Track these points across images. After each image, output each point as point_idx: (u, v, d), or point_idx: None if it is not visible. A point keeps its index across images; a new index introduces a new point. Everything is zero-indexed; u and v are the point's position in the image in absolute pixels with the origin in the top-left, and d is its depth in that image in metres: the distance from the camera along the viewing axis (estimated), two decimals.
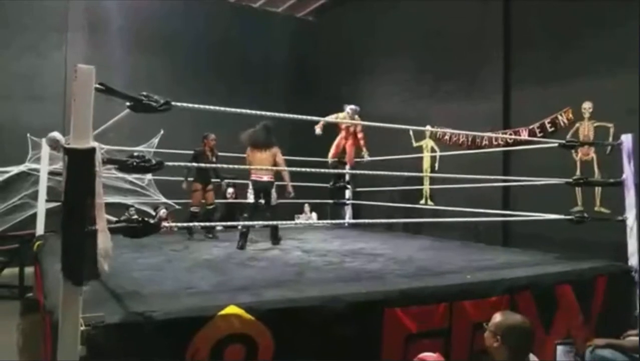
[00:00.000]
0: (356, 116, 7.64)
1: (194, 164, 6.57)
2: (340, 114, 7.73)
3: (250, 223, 6.10)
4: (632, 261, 4.60)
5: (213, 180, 7.25)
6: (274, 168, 6.02)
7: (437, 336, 3.38)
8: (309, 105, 9.97)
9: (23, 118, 9.25)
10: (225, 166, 4.65)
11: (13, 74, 9.51)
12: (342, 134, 7.92)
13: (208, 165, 6.73)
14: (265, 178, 6.10)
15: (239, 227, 6.11)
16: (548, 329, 3.92)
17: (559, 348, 2.61)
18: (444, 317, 3.43)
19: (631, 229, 4.71)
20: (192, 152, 7.04)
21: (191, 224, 5.97)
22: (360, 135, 7.88)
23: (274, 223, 6.32)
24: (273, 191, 6.32)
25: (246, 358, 2.81)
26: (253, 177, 6.21)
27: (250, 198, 6.88)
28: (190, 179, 7.13)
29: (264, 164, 5.96)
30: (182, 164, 6.16)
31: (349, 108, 7.58)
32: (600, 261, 4.72)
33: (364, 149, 7.89)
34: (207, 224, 6.66)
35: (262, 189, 6.17)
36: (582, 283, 4.22)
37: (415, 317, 3.31)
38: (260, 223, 6.61)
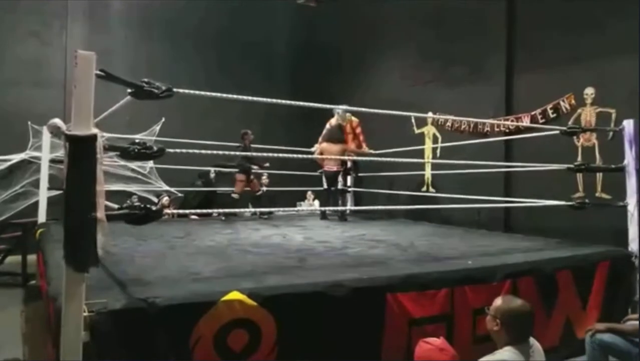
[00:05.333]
0: (347, 114, 7.64)
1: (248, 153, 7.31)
2: (333, 120, 7.72)
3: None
4: (633, 247, 4.61)
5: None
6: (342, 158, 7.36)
7: (439, 321, 3.40)
8: (311, 91, 9.95)
9: (24, 105, 9.24)
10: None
11: (15, 60, 9.50)
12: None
13: (250, 154, 7.41)
14: (335, 168, 7.53)
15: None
16: (550, 314, 3.94)
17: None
18: (446, 302, 3.45)
19: (632, 215, 4.72)
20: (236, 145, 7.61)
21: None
22: (358, 130, 7.88)
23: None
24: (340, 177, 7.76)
25: (249, 344, 2.82)
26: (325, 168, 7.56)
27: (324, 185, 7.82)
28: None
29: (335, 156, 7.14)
30: (225, 152, 6.58)
31: (339, 110, 7.49)
32: (601, 247, 4.72)
33: (364, 145, 7.91)
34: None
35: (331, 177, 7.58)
36: (583, 268, 4.23)
37: (418, 302, 3.33)
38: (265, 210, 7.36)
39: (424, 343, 2.72)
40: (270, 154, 4.63)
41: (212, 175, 9.44)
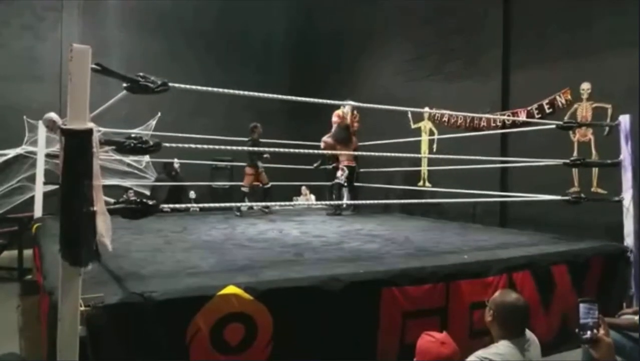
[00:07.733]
0: (355, 111, 7.78)
1: (258, 148, 7.02)
2: (341, 110, 7.78)
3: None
4: (628, 241, 4.63)
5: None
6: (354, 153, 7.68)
7: (434, 315, 3.42)
8: (309, 87, 9.93)
9: (20, 100, 9.21)
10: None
11: (9, 55, 9.45)
12: None
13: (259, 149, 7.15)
14: (353, 163, 7.85)
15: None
16: (546, 308, 3.96)
17: (582, 306, 2.53)
18: (441, 296, 3.46)
19: (627, 210, 4.73)
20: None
21: (239, 204, 6.91)
22: (355, 125, 7.99)
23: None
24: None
25: (246, 337, 2.83)
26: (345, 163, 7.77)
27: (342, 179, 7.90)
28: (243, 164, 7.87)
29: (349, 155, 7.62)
30: (233, 147, 6.50)
31: (349, 106, 7.54)
32: (597, 242, 4.75)
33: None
34: (239, 203, 6.78)
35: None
36: (578, 262, 4.25)
37: (413, 296, 3.34)
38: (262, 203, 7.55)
39: (426, 335, 2.73)
40: (277, 149, 4.65)
41: (177, 165, 9.14)
